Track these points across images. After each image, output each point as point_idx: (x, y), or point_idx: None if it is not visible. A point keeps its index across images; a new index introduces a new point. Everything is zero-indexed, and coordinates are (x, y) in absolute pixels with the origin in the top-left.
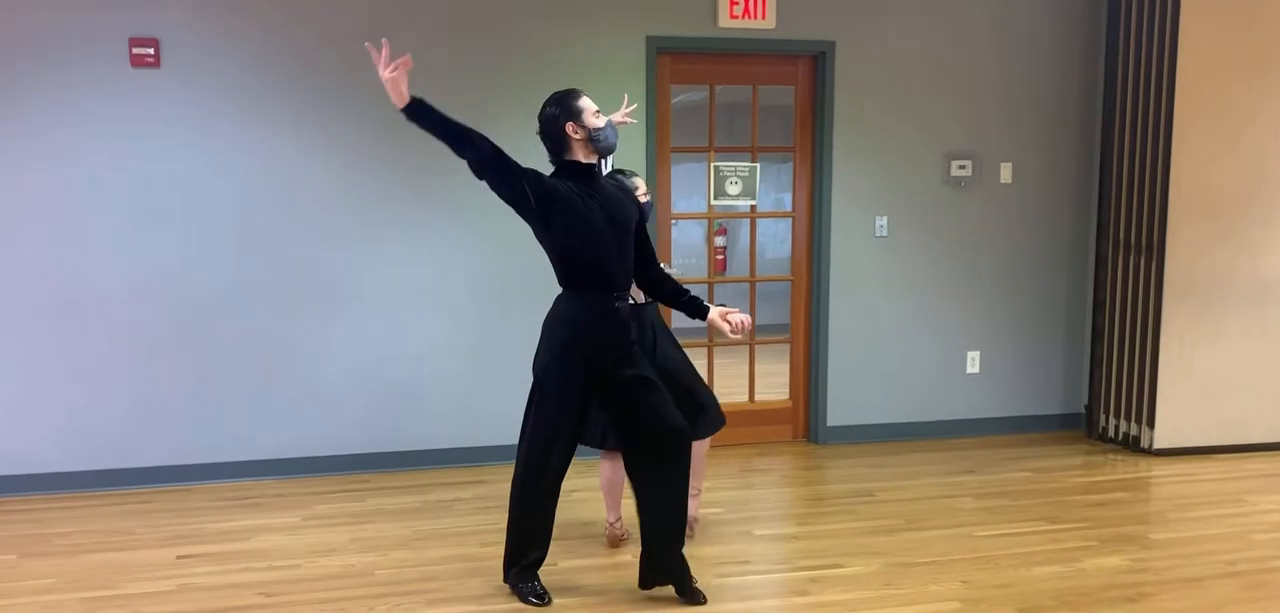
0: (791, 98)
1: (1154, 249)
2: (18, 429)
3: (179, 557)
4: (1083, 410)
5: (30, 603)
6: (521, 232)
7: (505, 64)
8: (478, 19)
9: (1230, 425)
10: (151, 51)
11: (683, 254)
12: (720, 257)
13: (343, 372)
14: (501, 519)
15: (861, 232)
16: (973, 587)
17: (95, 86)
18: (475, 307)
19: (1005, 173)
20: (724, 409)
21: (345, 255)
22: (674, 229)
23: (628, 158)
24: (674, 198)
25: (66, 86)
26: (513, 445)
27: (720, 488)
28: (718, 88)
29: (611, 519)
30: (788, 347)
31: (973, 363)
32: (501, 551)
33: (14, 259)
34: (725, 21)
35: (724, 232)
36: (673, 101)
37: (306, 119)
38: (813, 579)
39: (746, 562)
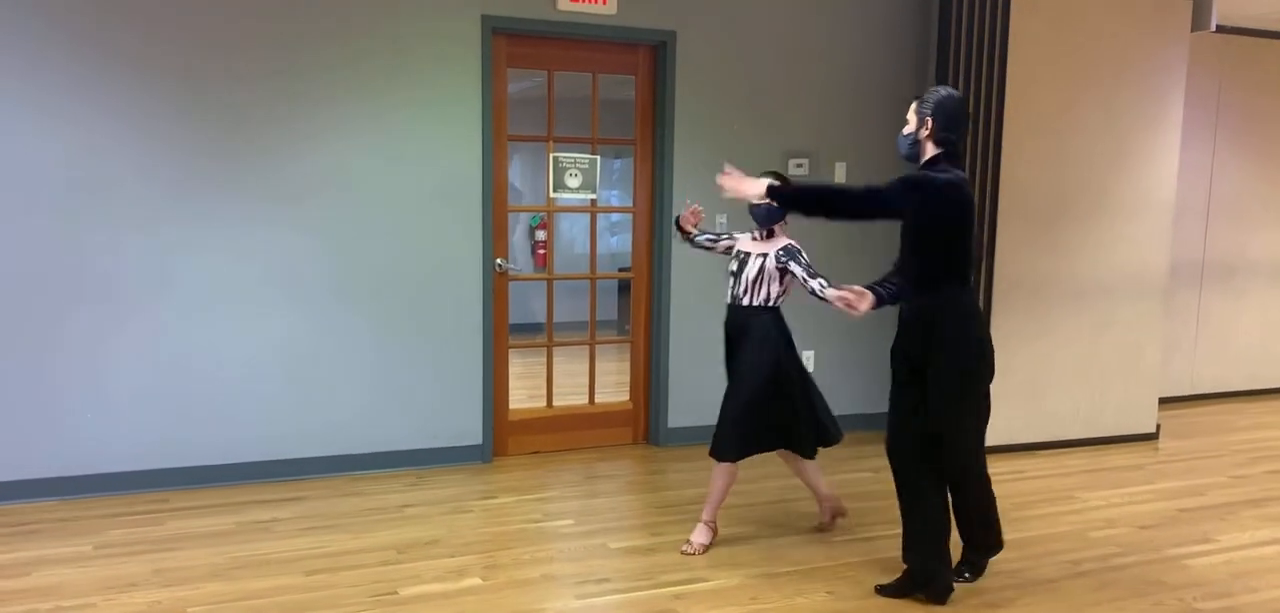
0: (633, 89)
1: (984, 251)
2: None
3: None
4: None
5: None
6: (347, 229)
7: (334, 39)
8: None
9: (1053, 421)
10: None
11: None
12: (542, 251)
13: (137, 376)
14: (329, 542)
15: (703, 228)
16: (839, 597)
17: None
18: (294, 307)
19: (840, 172)
20: (563, 412)
21: (138, 244)
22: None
23: (461, 144)
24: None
25: None
26: (335, 457)
27: (566, 497)
28: (558, 76)
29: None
30: (620, 347)
31: (808, 362)
32: (331, 578)
33: None
34: (564, 4)
35: (545, 226)
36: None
37: (88, 87)
38: (678, 596)
39: (607, 579)
